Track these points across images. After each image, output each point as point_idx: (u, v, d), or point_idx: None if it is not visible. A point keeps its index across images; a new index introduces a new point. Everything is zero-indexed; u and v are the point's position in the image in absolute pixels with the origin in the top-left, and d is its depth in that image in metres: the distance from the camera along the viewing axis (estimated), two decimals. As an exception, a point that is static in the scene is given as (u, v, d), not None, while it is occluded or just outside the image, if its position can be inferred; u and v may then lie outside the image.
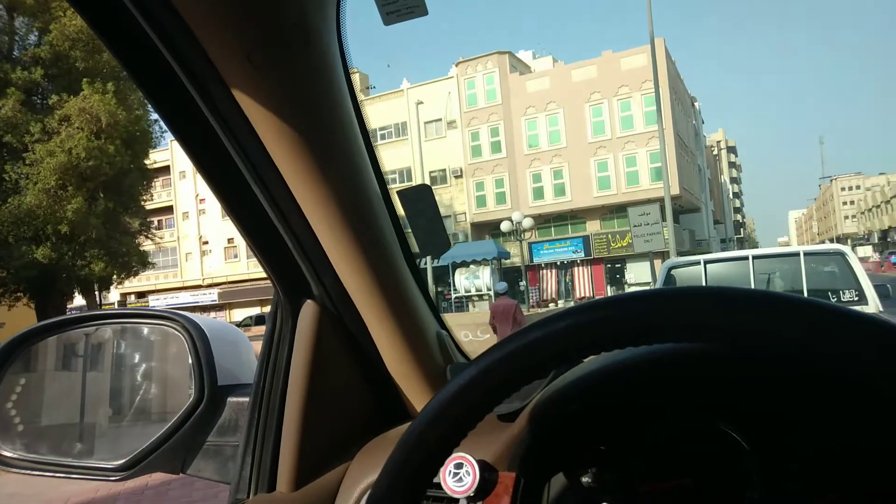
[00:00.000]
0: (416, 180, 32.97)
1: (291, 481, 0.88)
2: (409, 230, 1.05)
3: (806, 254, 5.56)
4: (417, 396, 0.99)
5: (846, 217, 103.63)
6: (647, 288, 0.39)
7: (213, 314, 40.70)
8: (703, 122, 49.45)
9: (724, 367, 0.64)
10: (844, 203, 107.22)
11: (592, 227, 32.34)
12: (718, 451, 0.68)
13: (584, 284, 32.59)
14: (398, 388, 0.99)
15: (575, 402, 0.71)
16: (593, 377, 0.69)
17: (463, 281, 28.17)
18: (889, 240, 70.39)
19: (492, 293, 26.68)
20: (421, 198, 1.02)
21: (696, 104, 44.76)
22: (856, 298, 5.31)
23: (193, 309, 41.12)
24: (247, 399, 0.96)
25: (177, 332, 1.04)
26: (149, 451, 1.00)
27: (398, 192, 1.01)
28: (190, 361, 1.01)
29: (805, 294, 5.39)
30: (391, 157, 35.92)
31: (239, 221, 0.85)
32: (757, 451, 0.66)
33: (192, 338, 1.01)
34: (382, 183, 0.93)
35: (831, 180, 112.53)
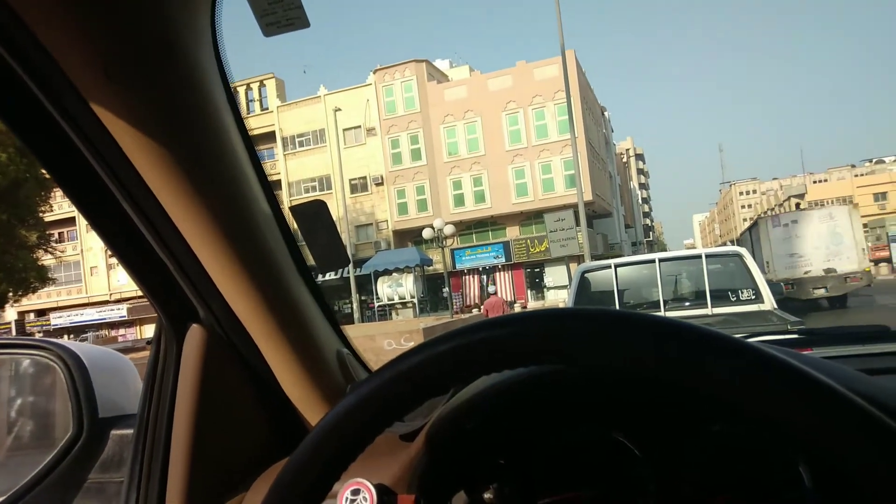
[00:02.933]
0: (336, 188, 32.55)
1: None
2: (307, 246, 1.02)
3: (707, 256, 5.90)
4: (317, 418, 0.96)
5: (745, 219, 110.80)
6: (533, 309, 0.45)
7: (122, 331, 38.46)
8: (612, 131, 51.62)
9: (617, 377, 0.65)
10: (743, 206, 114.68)
11: (512, 232, 32.99)
12: (614, 461, 0.69)
13: (507, 289, 33.17)
14: (297, 411, 0.96)
15: (474, 418, 0.70)
16: (491, 392, 0.68)
17: (386, 289, 27.98)
18: (782, 240, 75.72)
19: (415, 300, 26.74)
20: (316, 213, 1.00)
21: (605, 113, 46.64)
22: (753, 297, 5.68)
23: (100, 326, 38.73)
24: (132, 431, 0.90)
25: (52, 363, 0.96)
26: (25, 490, 0.93)
27: (291, 209, 0.98)
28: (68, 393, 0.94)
29: (707, 294, 5.73)
30: (310, 165, 35.26)
31: (110, 242, 0.80)
32: (649, 458, 0.68)
33: (67, 368, 0.94)
34: (272, 198, 0.89)
35: (730, 185, 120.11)
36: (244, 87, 37.42)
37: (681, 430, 0.67)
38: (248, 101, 37.61)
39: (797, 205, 69.34)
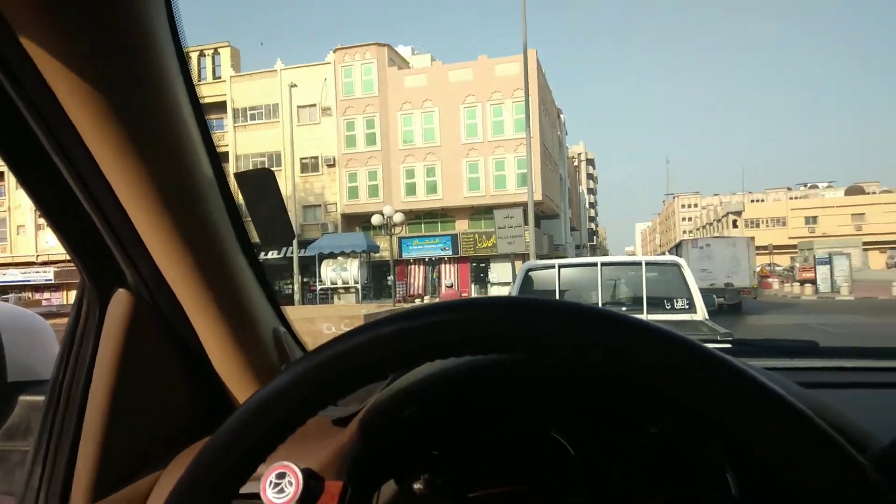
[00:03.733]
0: (286, 165, 31.88)
1: (88, 493, 0.77)
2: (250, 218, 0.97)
3: (647, 263, 6.07)
4: (247, 397, 0.91)
5: (684, 231, 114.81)
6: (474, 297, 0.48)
7: (47, 294, 36.68)
8: (566, 134, 52.45)
9: (555, 373, 0.65)
10: (684, 219, 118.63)
11: (461, 226, 33.12)
12: (550, 458, 0.69)
13: (451, 281, 33.29)
14: (226, 388, 0.91)
15: (410, 406, 0.69)
16: (430, 381, 0.66)
17: (330, 272, 27.62)
18: (717, 254, 78.84)
19: (359, 286, 26.52)
20: (262, 183, 0.95)
21: (561, 116, 47.32)
22: (687, 306, 5.89)
23: (24, 288, 36.78)
24: (43, 398, 0.84)
25: (-43, 321, 0.88)
26: None
27: (236, 175, 0.93)
28: None
29: (644, 300, 5.90)
30: (260, 140, 34.39)
31: (37, 198, 0.74)
32: (583, 457, 0.68)
33: None
34: (217, 166, 0.85)
35: (674, 197, 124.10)
36: (197, 53, 36.09)
37: (617, 431, 0.67)
38: (200, 68, 36.34)
39: (734, 222, 72.31)
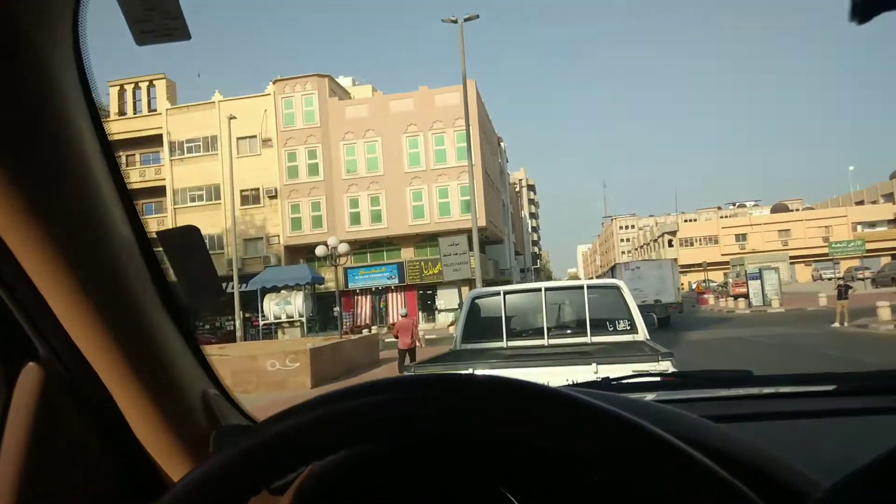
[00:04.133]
0: (226, 198, 31.23)
1: None
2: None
3: (588, 287, 6.22)
4: (176, 468, 0.86)
5: (623, 252, 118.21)
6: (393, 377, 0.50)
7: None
8: (507, 161, 53.49)
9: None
10: (622, 240, 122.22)
11: (407, 254, 33.10)
12: None
13: (398, 310, 33.12)
14: (153, 460, 0.86)
15: (352, 474, 0.67)
16: (373, 447, 0.66)
17: (273, 307, 27.03)
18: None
19: (304, 319, 26.03)
20: (187, 239, 0.92)
21: (501, 144, 48.30)
22: (628, 328, 6.04)
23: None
24: None
25: None
26: None
27: (158, 234, 0.89)
28: None
29: (587, 323, 6.03)
30: (198, 172, 33.63)
31: None
32: None
33: None
34: (134, 218, 0.80)
35: (612, 219, 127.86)
36: (132, 85, 35.25)
37: (562, 481, 0.66)
38: (135, 100, 35.43)
39: (669, 241, 74.96)
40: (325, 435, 0.45)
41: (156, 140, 34.42)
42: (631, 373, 3.20)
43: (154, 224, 34.75)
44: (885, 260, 50.06)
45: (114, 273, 0.75)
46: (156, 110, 34.71)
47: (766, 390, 1.30)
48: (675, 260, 29.96)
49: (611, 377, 1.45)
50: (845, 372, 1.31)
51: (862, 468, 0.42)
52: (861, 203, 68.25)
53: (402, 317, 13.68)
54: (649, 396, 1.33)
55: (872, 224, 63.62)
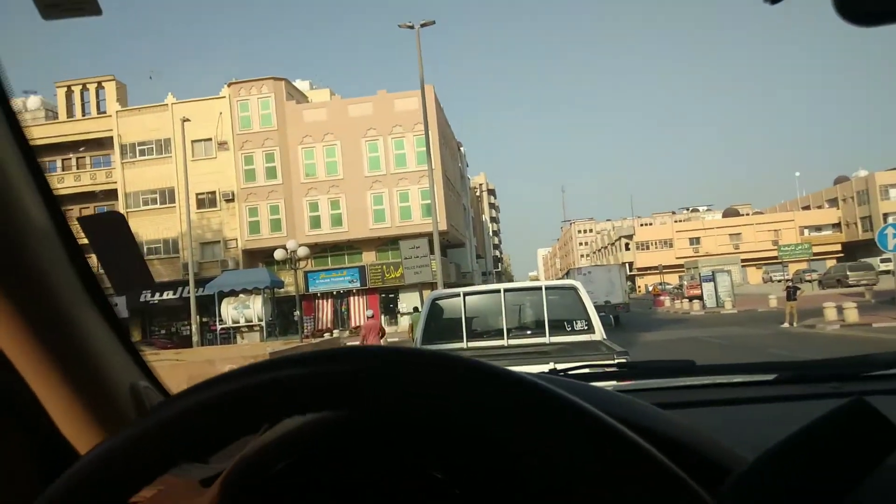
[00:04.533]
0: (181, 201, 30.52)
1: None
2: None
3: (547, 288, 6.30)
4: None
5: (582, 255, 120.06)
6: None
7: None
8: (467, 166, 53.77)
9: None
10: (581, 243, 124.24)
11: (368, 257, 32.92)
12: (433, 497, 0.65)
13: (360, 313, 32.91)
14: (79, 454, 0.82)
15: (282, 459, 0.63)
16: (304, 429, 0.62)
17: (231, 311, 26.53)
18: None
19: (263, 324, 25.59)
20: (111, 227, 0.89)
21: (461, 149, 48.52)
22: (586, 328, 6.14)
23: None
24: None
25: None
26: None
27: (80, 220, 0.86)
28: None
29: (546, 323, 6.11)
30: (152, 175, 32.79)
31: None
32: (467, 496, 0.65)
33: None
34: (54, 208, 0.78)
35: (571, 223, 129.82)
36: (79, 86, 34.18)
37: (496, 464, 0.64)
38: (84, 102, 34.34)
39: (626, 245, 76.48)
40: (241, 408, 0.43)
41: (106, 143, 33.42)
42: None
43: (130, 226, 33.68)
44: (831, 262, 52.19)
45: (31, 263, 0.72)
46: (105, 112, 33.71)
47: (709, 379, 1.33)
48: (623, 265, 33.55)
49: (559, 369, 1.47)
50: (784, 361, 1.36)
51: (778, 444, 0.45)
52: (807, 208, 70.96)
53: (368, 318, 14.29)
54: (595, 386, 1.35)
55: (818, 228, 66.22)
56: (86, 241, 0.86)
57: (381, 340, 13.70)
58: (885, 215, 52.50)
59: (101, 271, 0.87)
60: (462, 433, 0.50)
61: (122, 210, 33.11)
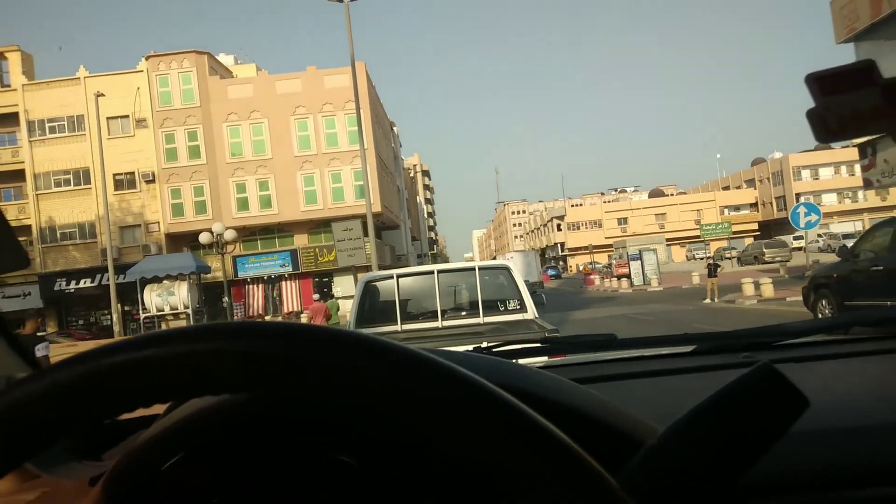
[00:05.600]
0: (96, 182, 28.80)
1: None
2: None
3: (480, 269, 6.25)
4: None
5: (516, 237, 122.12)
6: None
7: None
8: (401, 146, 53.30)
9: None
10: (514, 225, 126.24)
11: (300, 240, 32.17)
12: (344, 485, 0.61)
13: (293, 299, 32.20)
14: None
15: (176, 451, 0.59)
16: (199, 418, 0.58)
17: (155, 298, 25.29)
18: (546, 256, 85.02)
19: (189, 311, 24.59)
20: None
21: (394, 128, 48.00)
22: (518, 307, 6.13)
23: None
24: None
25: None
26: None
27: None
28: None
29: (480, 303, 6.06)
30: (64, 154, 30.76)
31: None
32: (377, 480, 0.62)
33: None
34: None
35: (504, 205, 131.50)
36: (-23, 56, 31.52)
37: (404, 447, 0.61)
38: (-17, 73, 31.72)
39: (558, 225, 78.20)
40: (97, 391, 0.39)
41: (11, 119, 31.05)
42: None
43: (14, 211, 31.41)
44: (749, 240, 55.04)
45: None
46: (9, 86, 31.26)
47: (631, 353, 1.35)
48: (538, 250, 40.60)
49: (483, 346, 1.44)
50: (702, 332, 1.43)
51: (686, 415, 0.45)
52: (727, 188, 74.52)
53: (315, 300, 15.04)
54: (518, 362, 1.32)
55: (737, 207, 69.72)
56: None
57: (328, 321, 14.10)
58: (798, 195, 55.87)
59: None
60: (364, 415, 0.49)
61: (29, 192, 31.01)
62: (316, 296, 15.71)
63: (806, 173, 60.97)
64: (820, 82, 0.46)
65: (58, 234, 31.03)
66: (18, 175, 31.20)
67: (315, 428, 0.59)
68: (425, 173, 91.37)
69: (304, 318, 22.25)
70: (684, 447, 0.43)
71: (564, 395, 0.61)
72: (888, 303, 7.98)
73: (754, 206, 68.66)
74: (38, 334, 9.41)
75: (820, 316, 12.20)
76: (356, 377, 0.41)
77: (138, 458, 0.57)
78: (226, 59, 37.18)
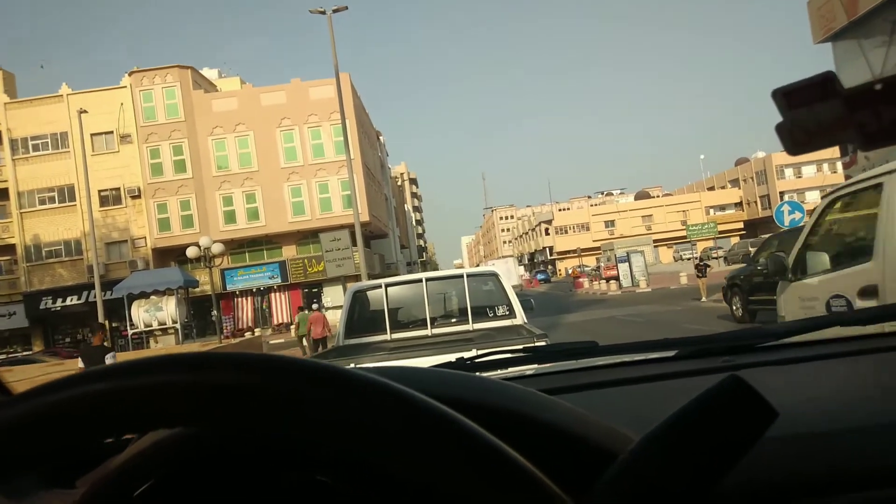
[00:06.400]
0: (81, 198, 28.57)
1: None
2: None
3: (468, 276, 6.27)
4: None
5: (505, 242, 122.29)
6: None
7: None
8: (388, 155, 53.33)
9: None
10: (503, 230, 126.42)
11: (289, 252, 32.06)
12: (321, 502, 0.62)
13: (283, 311, 32.05)
14: None
15: (143, 481, 0.58)
16: (167, 442, 0.57)
17: (143, 314, 25.10)
18: (535, 260, 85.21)
19: (178, 326, 24.40)
20: None
21: (381, 138, 48.05)
22: (507, 312, 6.16)
23: None
24: None
25: None
26: None
27: None
28: None
29: (469, 310, 6.08)
30: (47, 172, 30.53)
31: None
32: (358, 498, 0.61)
33: None
34: None
35: (492, 210, 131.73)
36: (-42, 76, 31.25)
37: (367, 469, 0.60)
38: (-36, 93, 31.44)
39: (546, 230, 78.42)
40: (99, 413, 0.40)
41: (-7, 137, 30.79)
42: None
43: (-3, 230, 31.13)
44: (735, 239, 55.52)
45: None
46: (-9, 104, 31.03)
47: (612, 359, 1.35)
48: (514, 256, 43.36)
49: (465, 357, 1.44)
50: (684, 337, 1.38)
51: (656, 428, 0.45)
52: (712, 189, 75.12)
53: (314, 310, 15.73)
54: (500, 372, 1.33)
55: (722, 207, 70.26)
56: None
57: (328, 331, 14.90)
58: (782, 193, 56.48)
59: None
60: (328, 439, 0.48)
61: (13, 211, 30.70)
62: (315, 304, 16.81)
63: (789, 172, 61.63)
64: (787, 97, 0.47)
65: (43, 252, 30.72)
66: (2, 194, 30.91)
67: (287, 450, 0.58)
68: (413, 181, 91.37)
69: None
70: (654, 461, 0.43)
71: (532, 407, 0.60)
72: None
73: (739, 205, 69.26)
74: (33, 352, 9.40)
75: (734, 308, 13.25)
76: (297, 406, 0.40)
77: (109, 485, 0.56)
78: (210, 73, 37.14)
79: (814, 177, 61.00)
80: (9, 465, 0.39)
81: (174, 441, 0.57)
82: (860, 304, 3.89)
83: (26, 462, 0.40)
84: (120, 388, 0.40)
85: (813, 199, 58.47)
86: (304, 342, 15.69)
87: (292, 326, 22.16)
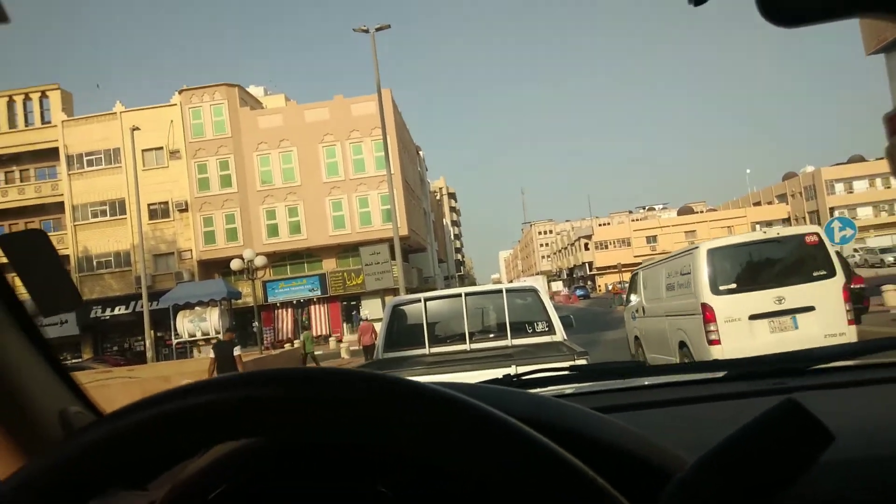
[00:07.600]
0: (131, 212, 29.62)
1: None
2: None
3: (507, 291, 6.24)
4: None
5: (543, 256, 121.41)
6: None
7: None
8: (427, 170, 53.71)
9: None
10: (541, 245, 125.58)
11: (329, 265, 32.49)
12: None
13: (322, 322, 32.44)
14: None
15: (220, 483, 0.61)
16: (241, 450, 0.60)
17: (187, 324, 25.70)
18: (574, 276, 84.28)
19: (220, 336, 24.89)
20: (33, 245, 0.83)
21: (420, 153, 48.44)
22: (546, 329, 6.10)
23: None
24: None
25: None
26: None
27: (1, 238, 0.79)
28: None
29: (508, 325, 6.04)
30: (101, 186, 31.75)
31: None
32: None
33: None
34: None
35: (531, 225, 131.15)
36: (21, 96, 32.86)
37: (441, 476, 0.62)
38: (26, 112, 33.04)
39: (585, 245, 77.55)
40: (167, 433, 0.42)
41: (52, 154, 32.22)
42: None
43: (53, 243, 32.36)
44: (780, 256, 53.81)
45: None
46: (50, 122, 32.50)
47: (659, 379, 1.34)
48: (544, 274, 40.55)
49: (511, 374, 1.46)
50: (732, 359, 1.36)
51: (714, 448, 0.45)
52: (758, 204, 73.20)
53: (363, 321, 17.28)
54: (547, 391, 1.33)
55: (769, 223, 68.39)
56: (5, 260, 0.81)
57: (375, 338, 15.66)
58: (832, 209, 54.62)
59: (26, 293, 0.83)
60: (392, 451, 0.50)
61: (68, 223, 32.01)
62: (364, 314, 18.03)
63: (839, 187, 59.64)
64: (891, 121, 0.47)
65: (94, 263, 31.88)
66: (58, 207, 32.25)
67: (351, 459, 0.62)
68: (451, 196, 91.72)
69: (353, 337, 24.15)
70: (712, 482, 0.44)
71: (591, 426, 0.61)
72: None
73: (787, 221, 67.26)
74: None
75: None
76: (392, 420, 0.43)
77: (187, 488, 0.59)
78: (256, 91, 38.17)
79: (866, 192, 58.90)
80: (132, 468, 0.42)
81: (247, 450, 0.59)
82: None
83: (138, 468, 0.43)
84: (224, 399, 0.43)
85: (865, 214, 56.43)
86: (310, 359, 17.49)
87: (297, 343, 22.69)
